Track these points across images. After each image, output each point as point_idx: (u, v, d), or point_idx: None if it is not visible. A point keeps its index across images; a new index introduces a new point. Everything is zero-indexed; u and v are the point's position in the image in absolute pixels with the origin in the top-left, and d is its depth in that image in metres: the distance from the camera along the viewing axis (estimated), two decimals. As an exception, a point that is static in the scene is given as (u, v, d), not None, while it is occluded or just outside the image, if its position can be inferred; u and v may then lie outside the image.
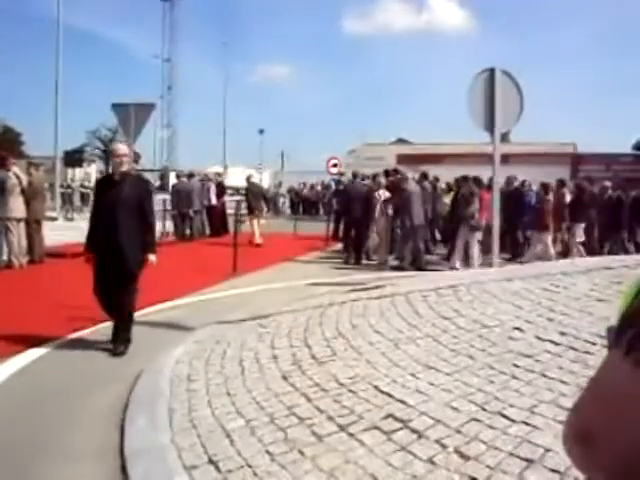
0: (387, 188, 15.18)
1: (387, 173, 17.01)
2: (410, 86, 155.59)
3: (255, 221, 19.46)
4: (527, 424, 3.63)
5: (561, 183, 16.35)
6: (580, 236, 14.94)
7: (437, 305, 6.56)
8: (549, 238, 14.89)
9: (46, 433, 4.68)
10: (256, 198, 20.28)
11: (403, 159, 35.04)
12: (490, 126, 9.35)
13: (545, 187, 15.52)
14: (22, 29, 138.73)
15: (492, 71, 9.40)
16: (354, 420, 3.99)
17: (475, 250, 13.80)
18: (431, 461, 3.38)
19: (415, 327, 5.90)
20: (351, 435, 3.79)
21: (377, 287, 8.78)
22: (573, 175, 29.50)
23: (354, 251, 15.61)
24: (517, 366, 4.55)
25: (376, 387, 4.51)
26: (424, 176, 17.05)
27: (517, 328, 5.40)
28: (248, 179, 21.18)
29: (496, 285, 7.11)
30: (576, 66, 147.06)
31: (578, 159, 35.88)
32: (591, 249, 15.02)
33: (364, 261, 15.41)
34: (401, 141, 52.25)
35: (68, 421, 4.91)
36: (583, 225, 15.02)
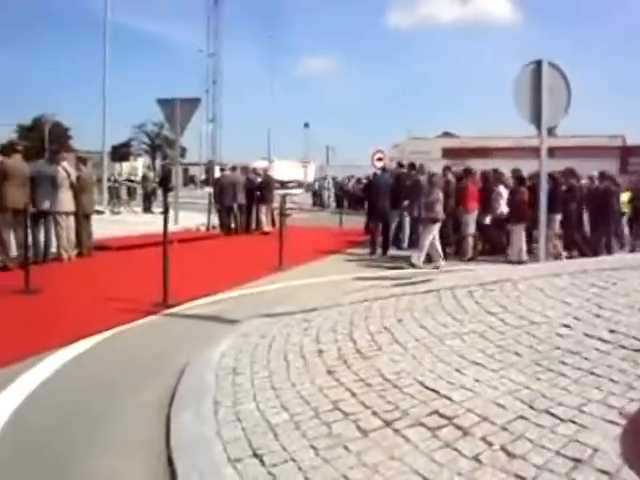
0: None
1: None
2: (456, 79, 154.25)
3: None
4: (575, 423, 3.57)
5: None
6: (554, 228, 14.47)
7: (483, 300, 6.50)
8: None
9: (94, 424, 4.74)
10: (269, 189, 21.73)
11: (448, 153, 34.81)
12: (537, 119, 9.22)
13: (520, 179, 15.19)
14: (70, 25, 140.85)
15: (539, 63, 9.27)
16: (399, 416, 3.97)
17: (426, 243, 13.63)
18: (476, 459, 3.35)
19: (461, 322, 5.85)
20: (396, 431, 3.77)
21: (423, 281, 8.74)
22: (622, 168, 28.99)
23: (383, 243, 15.66)
24: (565, 364, 4.48)
25: (421, 383, 4.49)
26: (468, 171, 16.82)
27: (565, 325, 5.32)
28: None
29: (543, 281, 7.01)
30: (627, 55, 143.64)
31: (627, 152, 35.15)
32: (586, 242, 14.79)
33: (393, 252, 15.33)
34: (447, 134, 51.86)
35: (115, 413, 4.97)
36: (559, 217, 14.56)
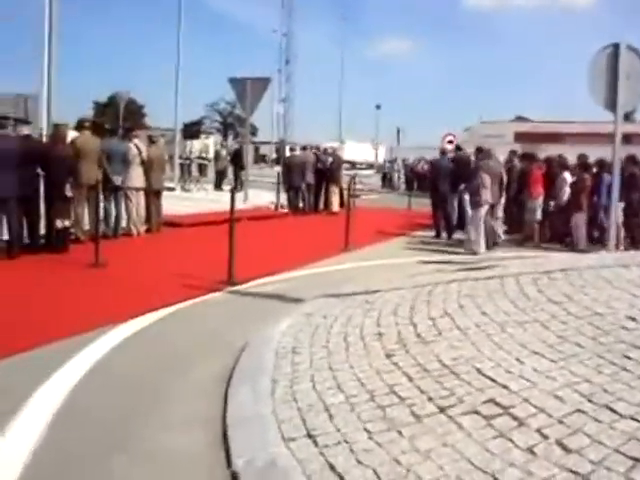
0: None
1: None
2: (532, 62, 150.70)
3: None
4: (636, 420, 3.48)
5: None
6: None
7: (547, 289, 6.38)
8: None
9: (154, 399, 4.84)
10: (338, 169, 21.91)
11: (521, 137, 34.12)
12: (612, 104, 8.97)
13: (584, 166, 14.70)
14: (144, 4, 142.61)
15: (616, 46, 8.98)
16: (454, 403, 3.94)
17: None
18: (531, 451, 3.30)
19: (523, 310, 5.76)
20: (450, 418, 3.75)
21: (486, 267, 8.64)
22: None
23: (446, 227, 15.53)
24: (629, 358, 4.37)
25: (479, 370, 4.44)
26: (531, 156, 16.40)
27: (631, 317, 5.19)
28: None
29: (610, 271, 6.85)
30: None
31: None
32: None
33: (459, 235, 15.14)
34: (520, 119, 50.72)
35: (175, 388, 5.07)
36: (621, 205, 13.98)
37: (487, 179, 13.23)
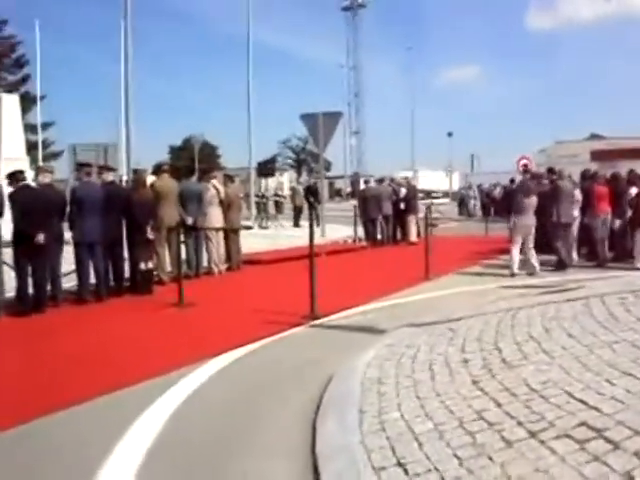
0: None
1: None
2: (602, 77, 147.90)
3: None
4: None
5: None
6: None
7: (635, 308, 6.24)
8: None
9: (244, 429, 4.93)
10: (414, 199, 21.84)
11: (597, 155, 33.41)
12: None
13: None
14: (215, 49, 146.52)
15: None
16: (545, 427, 3.88)
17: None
18: (629, 475, 3.21)
19: (611, 331, 5.65)
20: (542, 442, 3.69)
21: (570, 289, 8.48)
22: None
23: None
24: None
25: (569, 393, 4.37)
26: (592, 174, 16.00)
27: None
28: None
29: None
30: None
31: None
32: None
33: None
34: (595, 137, 49.69)
35: (264, 419, 5.14)
36: None
37: (533, 200, 13.14)
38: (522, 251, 13.12)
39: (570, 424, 3.86)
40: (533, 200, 13.19)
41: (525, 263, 13.12)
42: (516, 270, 12.96)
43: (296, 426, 4.90)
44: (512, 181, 20.43)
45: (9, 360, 7.04)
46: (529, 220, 13.13)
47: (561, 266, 13.52)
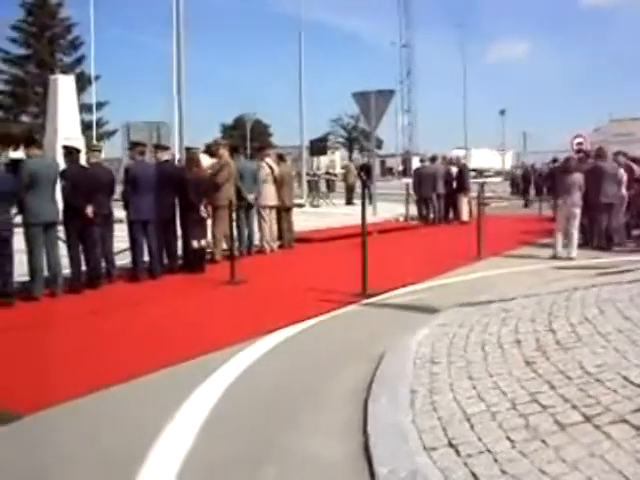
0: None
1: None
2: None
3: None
4: None
5: None
6: None
7: (695, 291, 6.09)
8: None
9: (296, 406, 4.96)
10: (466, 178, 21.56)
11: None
12: None
13: None
14: (266, 28, 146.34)
15: None
16: (600, 411, 3.83)
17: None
18: (686, 460, 3.16)
19: (670, 314, 5.53)
20: (597, 427, 3.64)
21: (627, 271, 8.32)
22: None
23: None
24: None
25: (625, 377, 4.30)
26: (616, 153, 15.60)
27: None
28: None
29: None
30: None
31: None
32: None
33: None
34: (653, 114, 48.28)
35: (316, 396, 5.17)
36: None
37: (575, 180, 12.80)
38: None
39: (627, 409, 3.80)
40: (576, 178, 12.83)
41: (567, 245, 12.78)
42: (559, 252, 12.63)
43: (348, 404, 4.91)
44: (555, 160, 20.07)
45: (66, 336, 7.19)
46: (572, 200, 12.76)
47: (606, 246, 13.28)
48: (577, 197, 12.76)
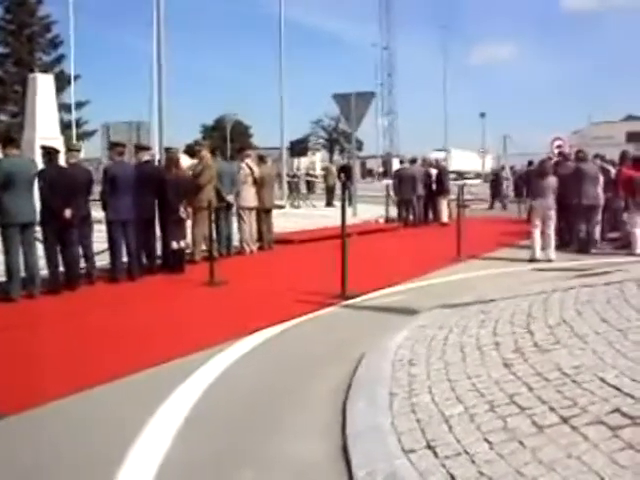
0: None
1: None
2: (639, 58, 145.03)
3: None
4: None
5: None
6: None
7: (672, 293, 6.15)
8: None
9: (275, 408, 4.96)
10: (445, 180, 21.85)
11: (633, 137, 32.90)
12: None
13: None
14: (247, 29, 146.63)
15: None
16: (577, 412, 3.84)
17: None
18: (663, 462, 3.18)
19: (647, 316, 5.57)
20: (574, 428, 3.66)
21: (604, 273, 8.38)
22: None
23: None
24: None
25: (602, 379, 4.32)
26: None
27: None
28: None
29: None
30: None
31: None
32: None
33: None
34: (631, 118, 48.71)
35: (295, 398, 5.16)
36: None
37: (549, 182, 12.86)
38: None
39: (603, 410, 3.82)
40: (550, 181, 12.87)
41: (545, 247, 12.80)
42: (538, 255, 12.64)
43: (327, 406, 4.91)
44: (530, 163, 20.29)
45: (43, 337, 7.13)
46: (546, 202, 12.78)
47: (585, 248, 13.39)
48: (552, 200, 12.83)
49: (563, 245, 13.90)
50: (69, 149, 11.00)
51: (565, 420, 3.77)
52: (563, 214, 14.01)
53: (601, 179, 14.07)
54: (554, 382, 4.41)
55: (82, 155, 11.73)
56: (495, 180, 32.57)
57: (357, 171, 31.54)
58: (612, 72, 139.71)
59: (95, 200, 10.92)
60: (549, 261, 12.37)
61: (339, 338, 6.99)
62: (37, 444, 4.38)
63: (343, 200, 9.55)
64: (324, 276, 10.05)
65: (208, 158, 12.85)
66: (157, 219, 11.44)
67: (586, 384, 4.27)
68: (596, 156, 15.88)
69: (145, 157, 11.61)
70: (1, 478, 3.92)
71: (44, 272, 9.54)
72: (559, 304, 6.60)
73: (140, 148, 12.03)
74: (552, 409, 3.96)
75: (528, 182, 15.40)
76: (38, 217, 9.49)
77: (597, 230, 14.37)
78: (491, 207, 29.45)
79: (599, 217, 14.38)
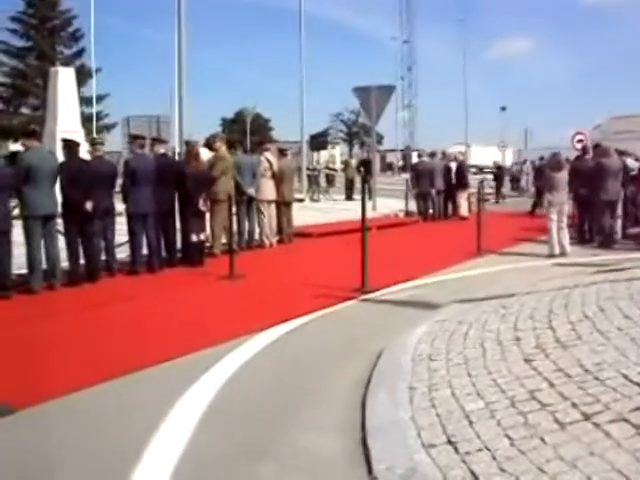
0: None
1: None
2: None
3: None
4: None
5: None
6: None
7: (696, 289, 6.07)
8: None
9: (294, 402, 4.95)
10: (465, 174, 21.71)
11: (656, 131, 32.48)
12: None
13: None
14: (269, 22, 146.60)
15: None
16: (600, 410, 3.81)
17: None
18: (687, 460, 3.14)
19: (670, 312, 5.51)
20: (596, 425, 3.62)
21: (627, 268, 8.29)
22: None
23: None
24: None
25: (625, 376, 4.27)
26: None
27: None
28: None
29: None
30: None
31: None
32: None
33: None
34: (654, 111, 48.00)
35: (314, 393, 5.14)
36: None
37: (559, 177, 12.78)
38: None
39: (626, 408, 3.78)
40: (564, 175, 12.83)
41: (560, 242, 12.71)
42: (556, 250, 12.55)
43: (346, 400, 4.89)
44: (542, 158, 20.15)
45: (64, 329, 7.17)
46: (561, 197, 12.77)
47: (607, 243, 13.27)
48: (565, 194, 12.83)
49: (585, 241, 13.81)
50: (93, 142, 11.06)
51: (587, 417, 3.74)
52: (586, 209, 13.93)
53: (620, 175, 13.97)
54: (576, 378, 4.37)
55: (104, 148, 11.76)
56: (497, 175, 32.45)
57: (377, 165, 31.43)
58: (634, 65, 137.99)
59: (117, 192, 10.95)
60: (563, 254, 12.33)
61: (358, 332, 6.97)
62: (55, 436, 4.40)
63: (363, 194, 9.49)
64: (343, 270, 10.04)
65: (223, 150, 12.83)
66: (177, 212, 11.47)
67: (609, 381, 4.22)
68: (622, 153, 15.66)
69: (161, 150, 11.62)
70: (19, 471, 3.94)
71: (65, 264, 9.60)
72: (581, 300, 6.55)
73: (156, 141, 12.05)
74: (574, 405, 3.92)
75: (540, 177, 15.21)
76: (60, 209, 9.55)
77: (618, 224, 14.25)
78: (497, 201, 29.23)
79: (619, 211, 14.26)
